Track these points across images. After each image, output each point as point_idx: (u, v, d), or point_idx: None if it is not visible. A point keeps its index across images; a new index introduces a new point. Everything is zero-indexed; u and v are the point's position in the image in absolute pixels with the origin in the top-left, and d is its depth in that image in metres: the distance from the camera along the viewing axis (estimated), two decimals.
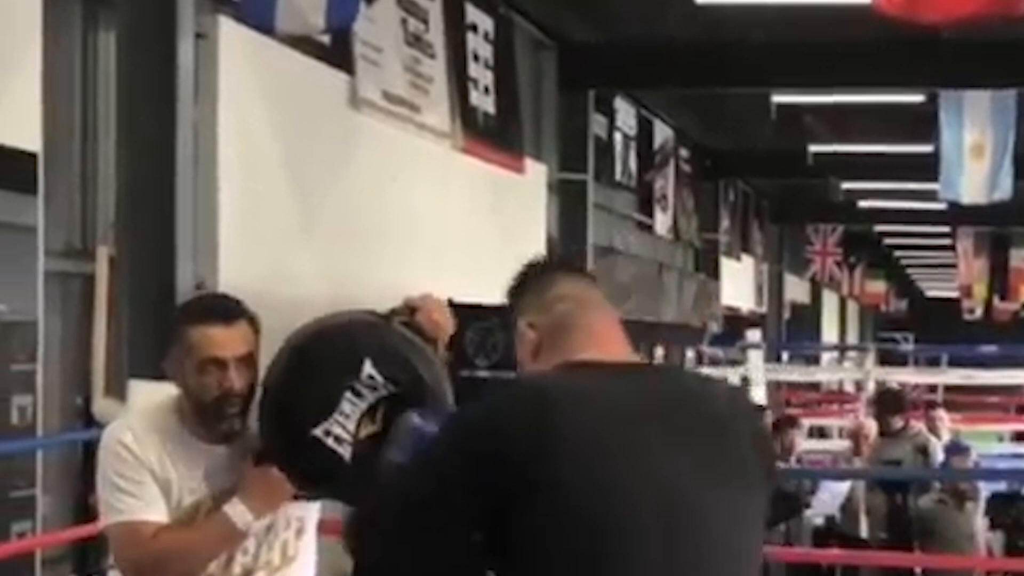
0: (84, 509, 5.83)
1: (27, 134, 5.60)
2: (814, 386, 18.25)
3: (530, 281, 2.46)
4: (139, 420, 3.15)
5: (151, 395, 3.27)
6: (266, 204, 7.17)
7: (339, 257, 7.93)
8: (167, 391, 3.16)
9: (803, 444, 8.55)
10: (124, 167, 6.25)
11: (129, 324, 6.18)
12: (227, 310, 3.12)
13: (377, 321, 3.03)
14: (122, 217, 6.26)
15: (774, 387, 16.24)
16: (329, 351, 2.94)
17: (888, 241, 30.22)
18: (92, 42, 6.34)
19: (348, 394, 2.85)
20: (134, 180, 6.25)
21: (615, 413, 2.19)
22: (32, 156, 5.63)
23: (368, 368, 2.88)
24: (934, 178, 13.15)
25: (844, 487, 8.46)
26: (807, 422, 12.72)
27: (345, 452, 2.83)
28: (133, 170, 6.25)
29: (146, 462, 3.03)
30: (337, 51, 7.76)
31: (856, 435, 9.28)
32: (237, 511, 3.00)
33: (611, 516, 2.11)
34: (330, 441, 2.83)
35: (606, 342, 2.36)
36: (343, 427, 2.84)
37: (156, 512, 3.03)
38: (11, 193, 5.62)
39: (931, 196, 14.63)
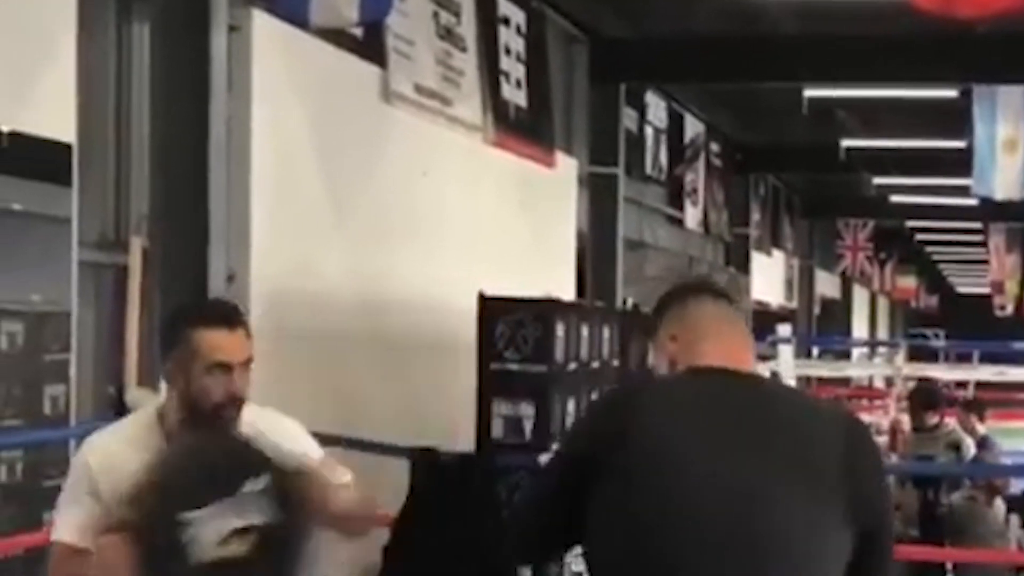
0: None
1: (62, 125, 5.63)
2: (843, 382, 18.16)
3: (674, 298, 2.77)
4: (116, 439, 3.14)
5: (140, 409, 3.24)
6: (297, 197, 7.20)
7: (369, 251, 7.95)
8: None
9: None
10: (158, 159, 6.29)
11: (161, 315, 6.21)
12: (231, 316, 3.11)
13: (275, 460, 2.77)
14: (155, 209, 6.29)
15: (804, 383, 16.19)
16: (234, 457, 2.73)
17: (920, 237, 30.06)
18: (126, 34, 6.37)
19: (233, 499, 2.60)
20: (168, 172, 6.28)
21: (692, 409, 2.51)
22: (67, 147, 5.66)
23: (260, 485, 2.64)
24: (967, 173, 13.08)
25: None
26: None
27: (195, 554, 2.58)
28: (166, 162, 6.29)
29: (99, 486, 3.02)
30: (369, 44, 7.77)
31: (893, 431, 9.24)
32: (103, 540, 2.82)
33: (673, 500, 2.39)
34: (188, 532, 2.57)
35: (732, 354, 2.65)
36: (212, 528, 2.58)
37: (80, 537, 3.01)
38: (46, 184, 5.66)
39: (964, 192, 14.56)
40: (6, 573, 5.41)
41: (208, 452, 2.76)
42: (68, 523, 3.11)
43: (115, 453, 3.05)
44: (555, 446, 2.82)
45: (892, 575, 2.54)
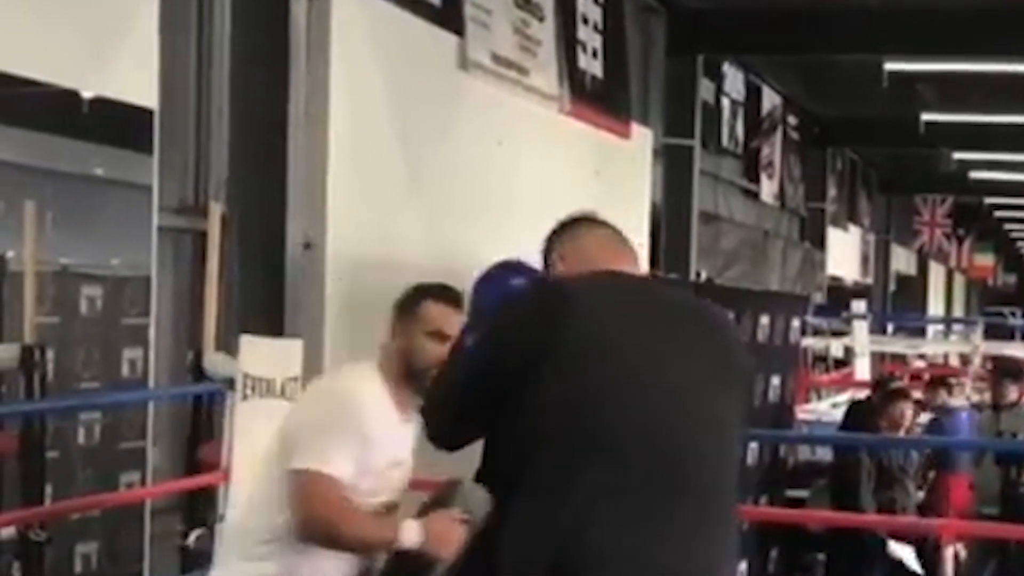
0: (193, 462, 5.93)
1: (144, 91, 5.67)
2: (919, 359, 17.96)
3: (566, 225, 3.03)
4: (369, 384, 3.48)
5: (358, 368, 3.58)
6: (374, 165, 7.21)
7: (443, 219, 7.95)
8: (283, 346, 3.40)
9: (911, 416, 8.39)
10: (237, 125, 6.32)
11: (239, 281, 6.27)
12: (458, 298, 3.63)
13: None
14: (234, 175, 6.33)
15: (878, 359, 16.03)
16: None
17: (999, 214, 29.63)
18: (207, 1, 6.40)
19: None
20: (247, 138, 6.31)
21: (619, 301, 2.75)
22: (148, 113, 5.71)
23: None
24: None
25: None
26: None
27: None
28: (246, 128, 6.32)
29: (363, 425, 3.37)
30: (447, 13, 7.76)
31: (979, 408, 9.13)
32: (409, 532, 3.32)
33: (606, 388, 2.60)
34: None
35: (622, 265, 2.91)
36: None
37: (342, 472, 3.31)
38: (127, 150, 5.71)
39: None
40: (85, 534, 5.50)
41: None
42: (342, 460, 3.32)
43: (373, 402, 3.45)
44: (480, 336, 2.95)
45: None
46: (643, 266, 2.98)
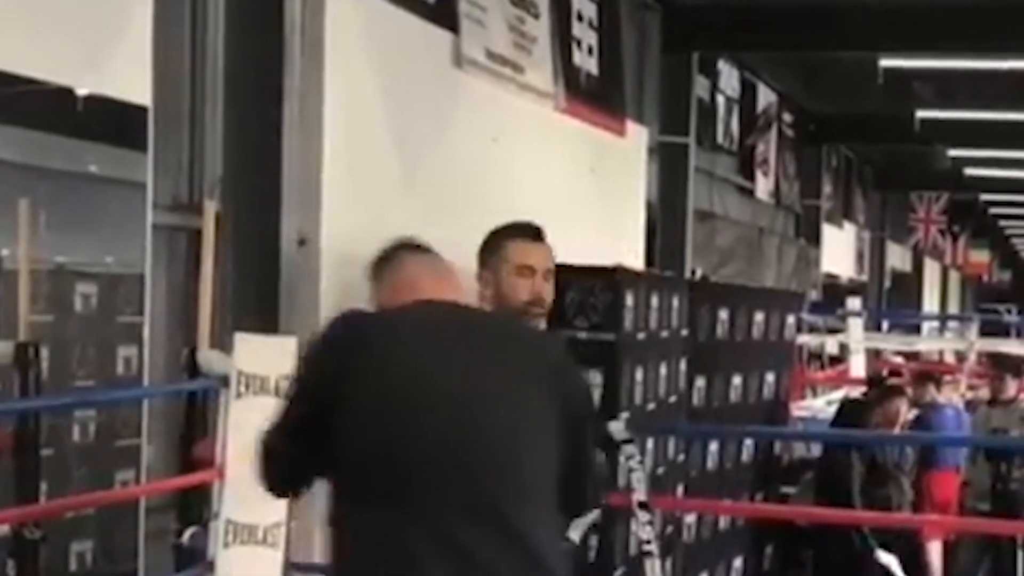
0: (187, 460, 5.93)
1: (138, 89, 5.66)
2: (914, 356, 17.98)
3: (383, 257, 3.20)
4: None
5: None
6: (368, 162, 7.21)
7: (439, 216, 7.94)
8: (277, 343, 3.45)
9: (906, 413, 8.41)
10: (232, 123, 6.32)
11: (234, 278, 6.26)
12: (537, 230, 3.77)
13: None
14: (229, 173, 6.32)
15: (872, 356, 16.03)
16: None
17: (994, 211, 29.65)
18: None
19: None
20: (241, 136, 6.31)
21: (421, 330, 2.84)
22: (143, 110, 5.70)
23: None
24: None
25: None
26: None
27: None
28: (240, 125, 6.32)
29: None
30: (442, 9, 7.76)
31: (972, 404, 9.15)
32: None
33: (411, 406, 2.71)
34: None
35: (442, 291, 3.00)
36: None
37: None
38: (122, 149, 5.70)
39: None
40: (79, 532, 5.50)
41: None
42: None
43: None
44: (294, 375, 3.12)
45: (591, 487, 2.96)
46: (463, 291, 3.17)
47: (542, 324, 3.50)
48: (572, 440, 2.81)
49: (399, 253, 3.11)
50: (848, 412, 8.51)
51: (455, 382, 2.73)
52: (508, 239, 3.64)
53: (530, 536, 2.67)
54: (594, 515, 3.55)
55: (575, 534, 3.41)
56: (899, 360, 15.25)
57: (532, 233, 3.71)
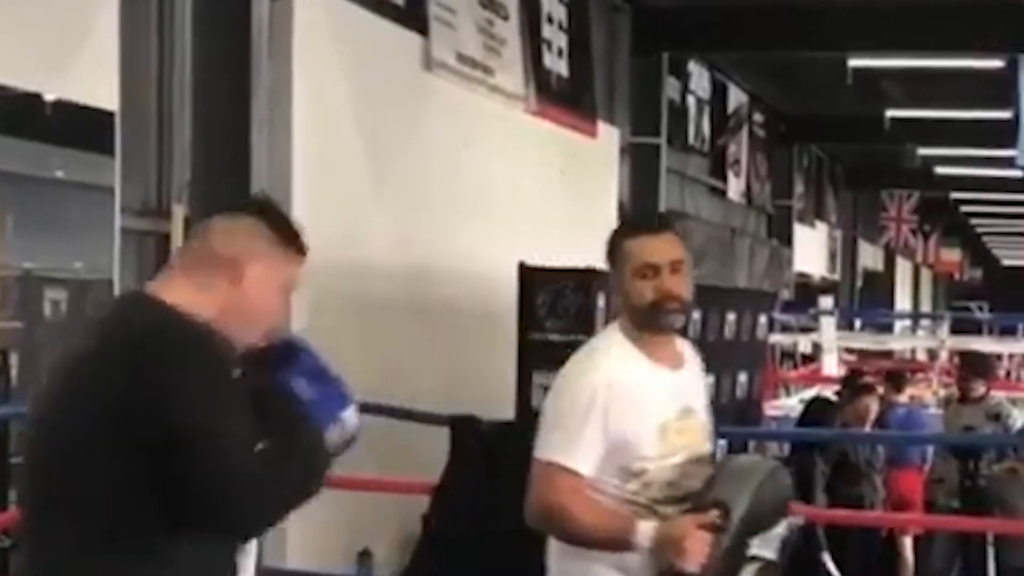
0: None
1: (105, 93, 5.64)
2: (886, 355, 18.05)
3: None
4: (608, 360, 3.22)
5: (596, 339, 3.42)
6: (339, 165, 7.20)
7: (411, 220, 7.94)
8: None
9: (875, 411, 8.45)
10: (200, 127, 6.30)
11: None
12: (655, 221, 3.49)
13: None
14: (197, 177, 6.30)
15: (845, 355, 16.09)
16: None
17: (965, 208, 29.80)
18: (168, 2, 6.37)
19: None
20: (209, 140, 6.29)
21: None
22: (110, 115, 5.67)
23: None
24: (1013, 144, 12.94)
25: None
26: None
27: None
28: (208, 130, 6.30)
29: (601, 409, 3.12)
30: (411, 12, 7.75)
31: (948, 402, 9.18)
32: (643, 535, 3.04)
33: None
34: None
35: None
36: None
37: (584, 464, 3.12)
38: (89, 152, 5.67)
39: (1009, 163, 14.43)
40: None
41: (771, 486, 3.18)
42: (582, 450, 3.13)
43: (615, 376, 3.17)
44: None
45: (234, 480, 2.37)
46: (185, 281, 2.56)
47: (679, 322, 3.22)
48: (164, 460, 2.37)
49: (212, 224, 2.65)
50: (813, 411, 8.53)
51: (36, 416, 2.54)
52: (624, 237, 3.27)
53: (43, 546, 2.48)
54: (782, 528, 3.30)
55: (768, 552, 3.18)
56: (853, 359, 15.31)
57: (648, 226, 3.36)
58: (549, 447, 3.15)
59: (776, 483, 3.26)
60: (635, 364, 3.21)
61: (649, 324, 3.21)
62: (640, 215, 12.03)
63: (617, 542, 3.07)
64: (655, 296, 3.15)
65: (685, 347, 3.39)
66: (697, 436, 3.31)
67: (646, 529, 3.04)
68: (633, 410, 3.15)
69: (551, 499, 3.12)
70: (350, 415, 2.61)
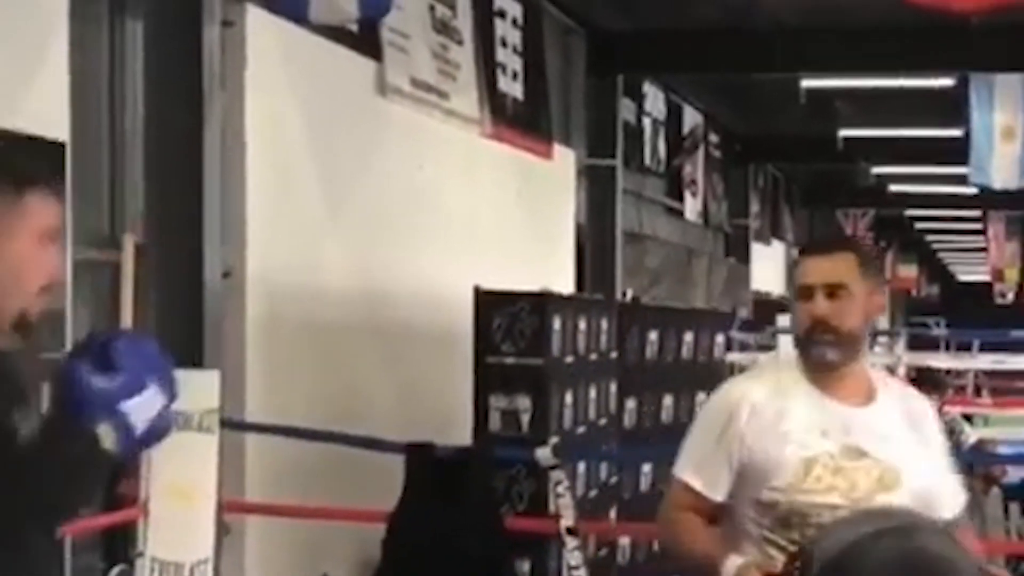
0: (112, 497, 5.85)
1: (55, 123, 5.60)
2: None
3: None
4: (760, 384, 3.12)
5: (770, 362, 3.35)
6: (293, 192, 7.18)
7: (366, 245, 7.93)
8: (200, 378, 3.16)
9: None
10: (152, 156, 6.27)
11: (157, 312, 6.21)
12: (826, 243, 3.23)
13: None
14: (150, 206, 6.28)
15: None
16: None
17: (920, 225, 30.04)
18: (119, 30, 6.34)
19: None
20: (162, 169, 6.27)
21: None
22: (60, 146, 5.63)
23: None
24: (965, 162, 13.06)
25: None
26: None
27: None
28: (161, 159, 6.27)
29: (735, 430, 3.02)
30: (364, 38, 7.75)
31: None
32: (727, 571, 2.92)
33: None
34: None
35: None
36: None
37: (707, 483, 3.06)
38: None
39: (962, 180, 14.54)
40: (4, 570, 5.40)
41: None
42: (705, 469, 3.08)
43: (759, 398, 3.06)
44: None
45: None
46: None
47: (831, 354, 2.99)
48: None
49: None
50: None
51: None
52: (799, 257, 3.13)
53: None
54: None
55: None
56: None
57: (820, 245, 3.16)
58: (678, 460, 3.15)
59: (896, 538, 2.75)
60: (794, 390, 3.06)
61: (801, 354, 3.05)
62: (597, 234, 12.14)
63: (707, 570, 3.00)
64: (809, 320, 2.99)
65: (892, 386, 3.19)
66: (867, 481, 2.99)
67: (730, 567, 2.92)
68: (772, 436, 3.00)
69: (665, 513, 3.17)
70: (145, 401, 2.24)
